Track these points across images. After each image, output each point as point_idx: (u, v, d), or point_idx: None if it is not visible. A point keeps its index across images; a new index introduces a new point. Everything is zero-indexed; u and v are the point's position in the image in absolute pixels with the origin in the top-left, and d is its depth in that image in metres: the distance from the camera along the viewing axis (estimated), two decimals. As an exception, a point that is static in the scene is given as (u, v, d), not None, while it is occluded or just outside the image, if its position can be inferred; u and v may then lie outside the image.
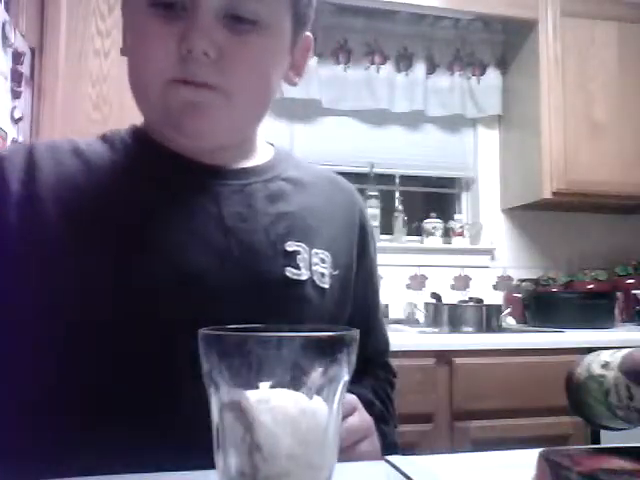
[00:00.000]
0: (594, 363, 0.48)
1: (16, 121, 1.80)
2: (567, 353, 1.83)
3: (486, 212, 2.67)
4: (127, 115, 1.99)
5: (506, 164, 2.66)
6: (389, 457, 0.53)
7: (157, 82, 0.61)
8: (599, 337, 1.92)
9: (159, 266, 0.60)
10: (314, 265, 0.67)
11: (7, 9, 1.76)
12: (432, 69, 2.60)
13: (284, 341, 0.35)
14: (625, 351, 0.49)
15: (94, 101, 1.98)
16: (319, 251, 0.68)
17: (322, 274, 0.68)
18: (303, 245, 0.67)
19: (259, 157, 0.74)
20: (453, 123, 2.68)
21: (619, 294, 2.43)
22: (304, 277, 0.66)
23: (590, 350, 0.54)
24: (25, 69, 1.87)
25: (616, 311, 2.35)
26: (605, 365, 0.47)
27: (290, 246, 0.66)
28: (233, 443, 0.36)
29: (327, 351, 0.36)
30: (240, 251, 0.64)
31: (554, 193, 2.33)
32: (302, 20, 0.69)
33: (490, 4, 2.37)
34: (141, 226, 0.62)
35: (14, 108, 1.77)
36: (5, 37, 1.68)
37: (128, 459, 0.50)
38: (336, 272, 0.70)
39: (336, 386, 0.37)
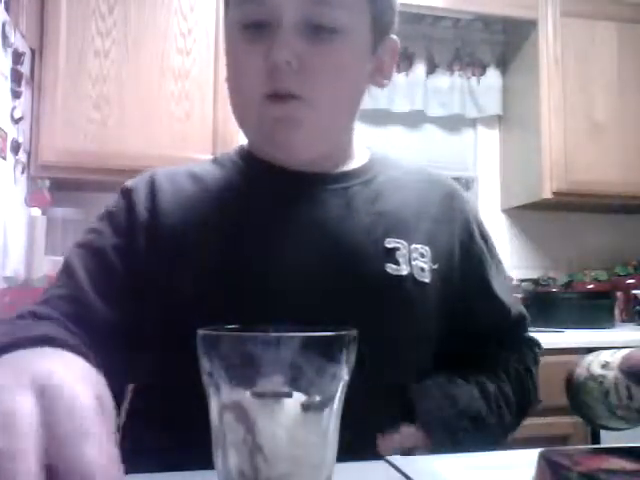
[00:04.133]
0: (594, 363, 0.48)
1: (16, 121, 1.79)
2: (567, 353, 1.82)
3: (486, 212, 2.67)
4: (127, 115, 2.01)
5: (506, 164, 2.66)
6: (389, 457, 0.53)
7: (252, 100, 0.66)
8: (599, 337, 1.92)
9: (262, 268, 0.65)
10: (413, 260, 0.69)
11: (7, 9, 1.76)
12: (432, 69, 2.60)
13: (283, 341, 0.35)
14: (625, 351, 0.49)
15: (94, 101, 1.98)
16: (418, 246, 0.70)
17: (422, 268, 0.69)
18: (402, 241, 0.69)
19: (357, 161, 0.78)
20: (453, 123, 2.68)
21: (619, 294, 2.43)
22: (404, 272, 0.68)
23: (590, 350, 0.54)
24: (25, 69, 1.86)
25: (616, 311, 2.34)
26: (605, 365, 0.47)
27: (389, 243, 0.69)
28: (233, 444, 0.36)
29: (327, 351, 0.36)
30: (342, 252, 0.67)
31: (554, 193, 2.33)
32: (382, 24, 0.71)
33: (490, 4, 2.37)
34: (247, 236, 0.67)
35: (14, 108, 1.77)
36: (5, 37, 1.68)
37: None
38: (436, 266, 0.71)
39: (336, 386, 0.37)
